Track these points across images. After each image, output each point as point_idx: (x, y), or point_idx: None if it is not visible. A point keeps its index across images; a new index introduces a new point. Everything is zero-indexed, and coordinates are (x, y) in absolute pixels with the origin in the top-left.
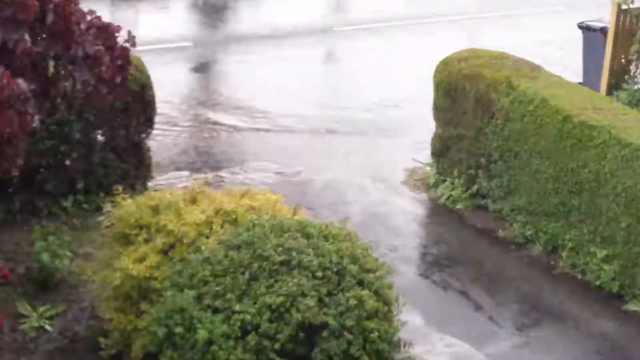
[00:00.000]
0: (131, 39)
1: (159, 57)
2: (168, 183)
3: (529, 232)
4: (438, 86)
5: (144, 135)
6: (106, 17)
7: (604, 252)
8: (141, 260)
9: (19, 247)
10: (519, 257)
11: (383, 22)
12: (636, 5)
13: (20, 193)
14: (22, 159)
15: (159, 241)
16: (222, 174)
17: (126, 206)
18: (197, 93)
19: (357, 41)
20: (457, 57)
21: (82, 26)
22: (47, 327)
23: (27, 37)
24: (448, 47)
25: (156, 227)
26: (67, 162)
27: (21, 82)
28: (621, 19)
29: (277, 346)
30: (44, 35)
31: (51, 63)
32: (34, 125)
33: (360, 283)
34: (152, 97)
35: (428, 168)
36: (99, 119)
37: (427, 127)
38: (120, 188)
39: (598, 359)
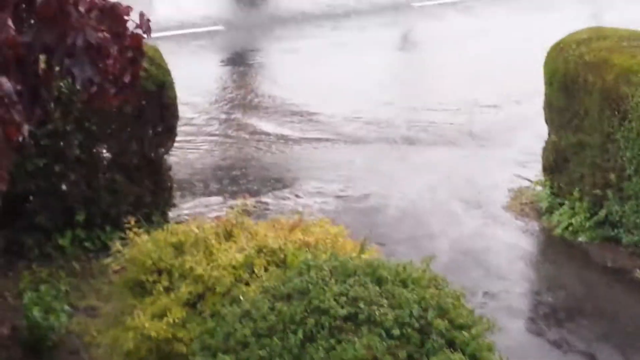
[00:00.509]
0: (145, 23)
1: (181, 46)
2: (195, 212)
3: None
4: (551, 78)
5: (162, 150)
6: None
7: None
8: (161, 315)
9: (2, 299)
10: None
11: None
12: None
13: (3, 228)
14: (5, 183)
15: (184, 290)
16: (266, 199)
17: (141, 244)
18: (231, 93)
19: (442, 20)
20: (576, 39)
21: (81, 7)
22: None
23: (9, 22)
24: (564, 26)
25: (180, 272)
26: (64, 187)
27: (4, 82)
28: None
29: None
30: (32, 21)
31: (42, 57)
32: (21, 138)
33: (451, 344)
34: (173, 99)
35: (539, 188)
36: (104, 129)
37: (536, 133)
38: (132, 220)
39: None
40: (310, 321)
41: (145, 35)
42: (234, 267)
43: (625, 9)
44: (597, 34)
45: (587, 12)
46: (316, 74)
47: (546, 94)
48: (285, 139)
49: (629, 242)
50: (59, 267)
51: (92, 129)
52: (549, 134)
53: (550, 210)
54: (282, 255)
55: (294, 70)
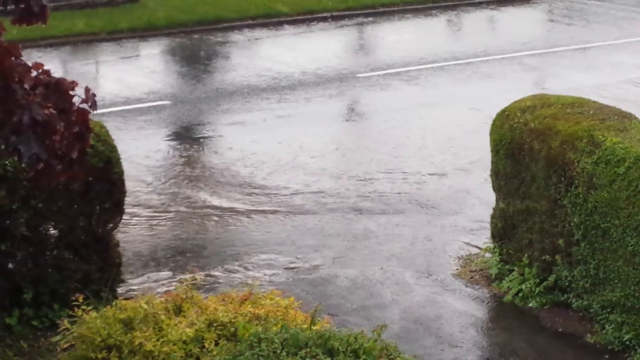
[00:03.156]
0: (90, 97)
1: (127, 121)
2: (144, 288)
3: (627, 337)
4: (497, 146)
5: (110, 226)
6: (58, 72)
7: None
8: None
9: None
10: None
11: (420, 64)
12: None
13: None
14: None
15: None
16: (216, 272)
17: (89, 321)
18: (178, 167)
19: (388, 90)
20: (521, 107)
21: (26, 84)
22: None
23: None
24: (508, 94)
25: (130, 348)
26: (10, 265)
27: None
28: None
29: None
30: None
31: None
32: None
33: None
34: (120, 174)
35: (488, 255)
36: (51, 206)
37: (484, 200)
38: (80, 297)
39: None
40: None
41: (91, 110)
42: (184, 342)
43: (566, 77)
44: (542, 101)
45: (530, 80)
46: (263, 147)
47: (493, 162)
48: (233, 211)
49: (579, 307)
50: (6, 347)
51: (39, 207)
52: (497, 201)
53: (500, 277)
54: (232, 329)
55: (240, 143)
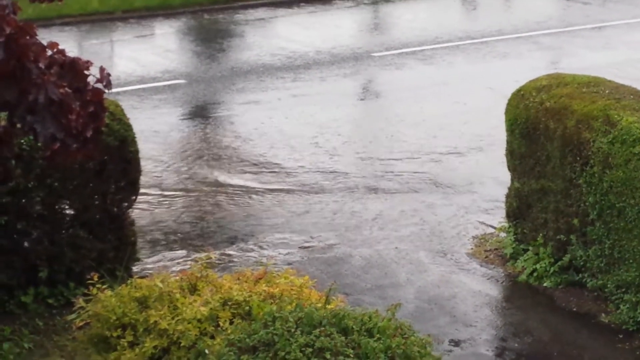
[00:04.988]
0: (105, 77)
1: (142, 100)
2: (159, 267)
3: None
4: (512, 125)
5: (125, 205)
6: (73, 52)
7: None
8: None
9: None
10: (629, 349)
11: (435, 43)
12: None
13: None
14: None
15: (149, 344)
16: (230, 251)
17: (104, 299)
18: (194, 146)
19: (403, 69)
20: (536, 86)
21: (41, 64)
22: None
23: None
24: (523, 73)
25: (145, 326)
26: (26, 244)
27: None
28: None
29: None
30: None
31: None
32: None
33: None
34: (135, 153)
35: (503, 234)
36: (66, 185)
37: (498, 180)
38: (95, 276)
39: None
40: None
41: (105, 90)
42: (198, 321)
43: (582, 56)
44: (557, 81)
45: (545, 59)
46: (278, 126)
47: (508, 141)
48: (248, 190)
49: (594, 287)
50: (22, 325)
51: (54, 186)
52: (512, 181)
53: (514, 257)
54: (247, 308)
55: (255, 122)
